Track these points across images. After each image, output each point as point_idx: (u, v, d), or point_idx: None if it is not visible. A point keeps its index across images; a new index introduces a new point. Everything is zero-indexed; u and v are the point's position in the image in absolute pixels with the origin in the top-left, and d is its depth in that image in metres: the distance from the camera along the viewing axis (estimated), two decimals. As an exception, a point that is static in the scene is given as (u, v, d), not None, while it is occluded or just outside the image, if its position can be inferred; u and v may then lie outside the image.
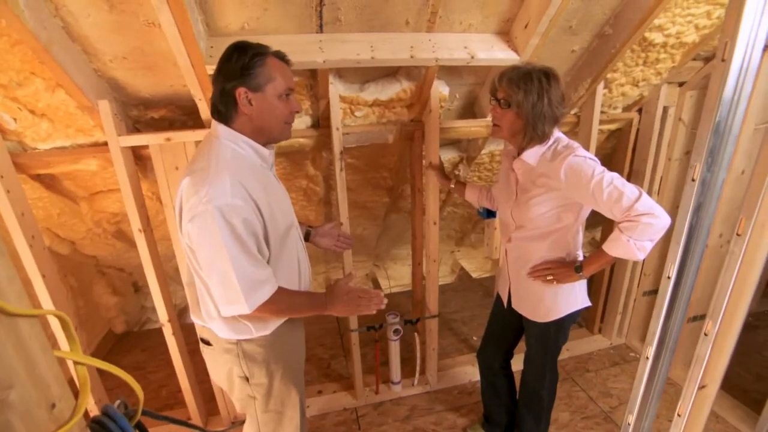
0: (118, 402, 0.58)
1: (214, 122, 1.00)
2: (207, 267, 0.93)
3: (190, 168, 0.97)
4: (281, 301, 1.00)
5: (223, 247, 0.88)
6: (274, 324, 1.09)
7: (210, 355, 1.14)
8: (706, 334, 0.50)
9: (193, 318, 1.12)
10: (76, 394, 0.46)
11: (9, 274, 0.35)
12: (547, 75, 1.13)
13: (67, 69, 1.13)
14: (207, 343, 1.12)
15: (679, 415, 0.57)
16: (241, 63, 0.92)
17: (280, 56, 0.98)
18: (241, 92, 0.93)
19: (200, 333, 1.14)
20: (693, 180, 0.51)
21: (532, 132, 1.17)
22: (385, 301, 1.07)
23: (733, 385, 1.98)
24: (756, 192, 0.43)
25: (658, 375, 0.60)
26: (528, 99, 1.12)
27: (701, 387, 0.52)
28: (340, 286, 1.07)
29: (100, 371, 1.76)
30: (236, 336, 1.06)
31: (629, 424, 0.67)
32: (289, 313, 1.07)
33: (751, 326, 2.51)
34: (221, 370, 1.12)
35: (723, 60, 0.46)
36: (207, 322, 1.06)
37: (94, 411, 1.59)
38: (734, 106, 0.47)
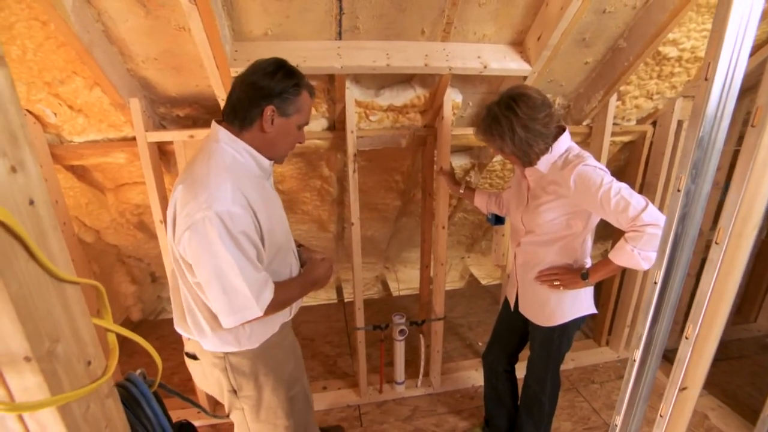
0: (138, 371, 0.64)
1: (214, 125, 0.98)
2: (207, 277, 0.88)
3: (185, 173, 0.93)
4: (278, 295, 1.00)
5: (227, 254, 0.85)
6: (260, 337, 1.06)
7: (198, 370, 1.11)
8: (686, 338, 0.53)
9: (178, 329, 1.08)
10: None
11: (60, 245, 0.41)
12: (509, 105, 1.13)
13: (105, 69, 1.23)
14: (194, 357, 1.09)
15: (661, 416, 0.60)
16: (283, 86, 0.94)
17: (311, 92, 1.02)
18: (269, 110, 0.94)
19: (186, 347, 1.11)
20: (678, 190, 0.54)
21: (528, 158, 1.20)
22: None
23: (745, 406, 1.94)
24: (733, 202, 0.45)
25: (644, 378, 0.63)
26: (505, 140, 1.16)
27: (682, 389, 0.55)
28: (315, 262, 1.15)
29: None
30: (223, 349, 1.02)
31: (616, 425, 0.70)
32: (286, 304, 1.06)
33: (767, 347, 2.44)
34: (211, 382, 1.11)
35: (706, 79, 0.49)
36: (194, 333, 1.02)
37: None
38: (717, 123, 0.50)
